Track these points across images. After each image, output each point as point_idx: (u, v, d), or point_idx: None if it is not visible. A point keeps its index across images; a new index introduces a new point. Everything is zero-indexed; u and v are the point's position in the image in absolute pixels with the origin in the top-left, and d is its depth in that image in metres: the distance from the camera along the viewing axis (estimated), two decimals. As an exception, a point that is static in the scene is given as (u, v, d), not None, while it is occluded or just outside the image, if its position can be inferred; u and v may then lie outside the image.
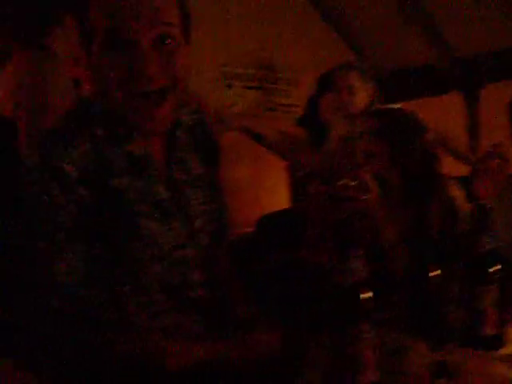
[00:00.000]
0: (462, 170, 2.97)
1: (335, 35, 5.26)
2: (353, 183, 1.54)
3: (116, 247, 1.17)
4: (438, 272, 1.30)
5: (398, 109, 2.62)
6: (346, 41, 5.28)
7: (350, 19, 5.12)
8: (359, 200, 1.63)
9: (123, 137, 1.20)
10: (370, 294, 1.08)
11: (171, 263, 1.24)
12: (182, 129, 1.32)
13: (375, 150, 2.12)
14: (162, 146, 1.27)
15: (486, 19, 4.39)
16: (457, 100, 5.00)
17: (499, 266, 1.32)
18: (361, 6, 4.87)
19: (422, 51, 4.99)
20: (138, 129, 1.19)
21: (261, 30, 4.59)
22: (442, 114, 4.55)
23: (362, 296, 1.08)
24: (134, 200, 1.20)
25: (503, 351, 1.32)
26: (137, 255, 1.19)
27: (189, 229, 1.29)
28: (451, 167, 3.56)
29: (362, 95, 3.19)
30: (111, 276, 1.18)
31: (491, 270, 1.31)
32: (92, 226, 1.15)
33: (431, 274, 1.31)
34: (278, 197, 4.36)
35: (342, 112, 3.24)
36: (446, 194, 2.01)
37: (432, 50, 4.97)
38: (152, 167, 1.24)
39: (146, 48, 1.10)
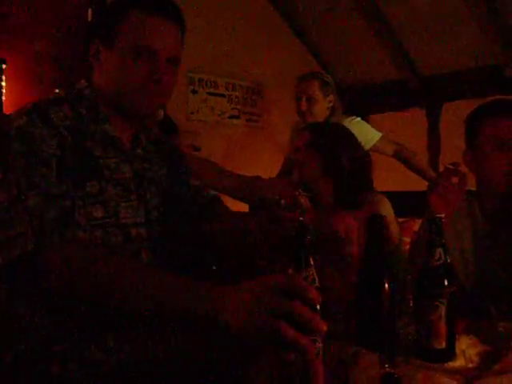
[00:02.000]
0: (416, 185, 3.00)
1: (303, 48, 5.30)
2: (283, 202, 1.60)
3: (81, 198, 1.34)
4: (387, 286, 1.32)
5: (330, 124, 2.68)
6: (313, 54, 5.33)
7: (319, 33, 5.17)
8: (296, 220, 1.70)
9: (101, 119, 1.47)
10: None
11: (127, 238, 1.42)
12: (145, 137, 1.62)
13: (308, 161, 2.19)
14: (127, 139, 1.54)
15: (450, 40, 4.49)
16: (419, 116, 5.08)
17: (449, 280, 1.33)
18: (329, 22, 4.93)
19: (386, 67, 5.08)
20: (135, 112, 1.49)
21: (228, 37, 4.59)
22: (404, 130, 4.63)
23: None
24: (103, 165, 1.42)
25: (451, 364, 1.33)
26: (97, 217, 1.37)
27: (145, 213, 1.49)
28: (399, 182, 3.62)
29: (321, 106, 3.22)
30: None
31: (442, 283, 1.32)
32: (65, 164, 1.33)
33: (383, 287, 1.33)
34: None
35: (301, 122, 3.27)
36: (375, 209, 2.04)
37: (396, 66, 5.05)
38: (121, 148, 1.50)
39: (164, 63, 1.46)
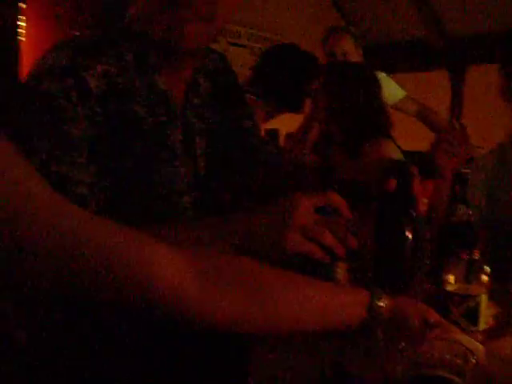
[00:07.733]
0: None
1: (327, 2, 5.20)
2: None
3: (119, 171, 1.14)
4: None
5: (349, 63, 2.59)
6: (336, 7, 5.22)
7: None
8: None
9: (152, 67, 1.22)
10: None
11: (168, 208, 1.22)
12: (204, 75, 1.35)
13: (317, 102, 2.12)
14: (181, 90, 1.29)
15: (481, 1, 4.38)
16: (442, 78, 4.99)
17: (472, 237, 1.30)
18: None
19: (412, 26, 4.96)
20: (172, 49, 1.20)
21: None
22: (426, 91, 4.54)
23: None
24: (148, 129, 1.20)
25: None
26: (142, 189, 1.17)
27: (193, 177, 1.27)
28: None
29: (354, 59, 3.17)
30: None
31: (464, 239, 1.30)
32: (98, 148, 1.12)
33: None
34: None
35: None
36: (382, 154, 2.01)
37: (423, 25, 4.93)
38: (171, 105, 1.25)
39: None
